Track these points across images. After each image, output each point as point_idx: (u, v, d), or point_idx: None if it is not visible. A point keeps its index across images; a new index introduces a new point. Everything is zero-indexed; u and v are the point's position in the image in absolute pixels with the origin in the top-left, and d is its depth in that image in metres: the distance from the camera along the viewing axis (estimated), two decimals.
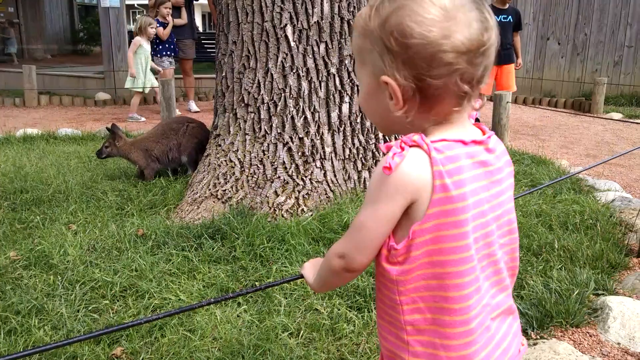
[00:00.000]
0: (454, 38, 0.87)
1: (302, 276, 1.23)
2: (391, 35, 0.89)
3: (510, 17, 6.63)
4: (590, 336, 2.24)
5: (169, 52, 8.02)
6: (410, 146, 0.91)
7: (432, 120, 0.95)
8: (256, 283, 2.58)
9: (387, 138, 3.66)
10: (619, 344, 2.19)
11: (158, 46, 7.99)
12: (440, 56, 0.87)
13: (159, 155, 4.36)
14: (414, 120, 0.95)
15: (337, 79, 3.52)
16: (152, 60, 7.98)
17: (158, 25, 7.81)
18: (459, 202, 0.90)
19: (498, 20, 6.52)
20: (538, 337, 2.19)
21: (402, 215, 0.95)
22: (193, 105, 8.61)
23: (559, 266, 2.71)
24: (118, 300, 2.42)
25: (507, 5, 6.64)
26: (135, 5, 33.63)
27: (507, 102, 5.66)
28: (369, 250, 0.97)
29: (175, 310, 1.25)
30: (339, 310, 2.34)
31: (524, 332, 2.21)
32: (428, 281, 0.94)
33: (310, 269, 1.19)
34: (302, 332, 2.20)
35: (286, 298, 2.43)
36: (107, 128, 4.40)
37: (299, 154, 3.46)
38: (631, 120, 7.66)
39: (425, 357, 0.97)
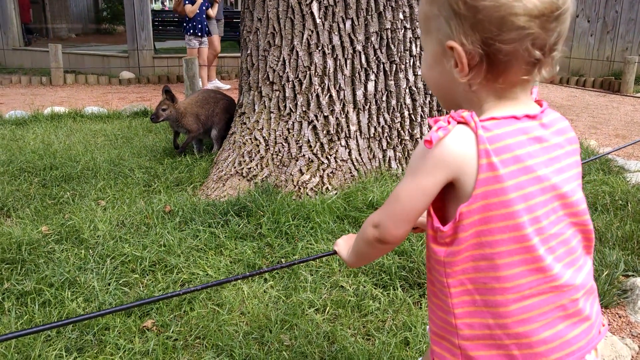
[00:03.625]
0: (526, 1, 0.83)
1: (335, 252, 1.23)
2: None
3: None
4: (620, 317, 2.22)
5: (195, 31, 7.90)
6: (458, 122, 0.89)
7: (495, 93, 0.91)
8: (282, 260, 2.60)
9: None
10: None
11: (187, 24, 7.94)
12: (511, 19, 0.84)
13: (204, 121, 4.38)
14: (478, 91, 0.91)
15: (363, 57, 3.49)
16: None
17: (186, 2, 7.74)
18: (507, 180, 0.87)
19: None
20: None
21: (448, 195, 0.93)
22: (219, 84, 8.58)
23: None
24: (147, 275, 2.47)
25: None
26: None
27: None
28: (401, 222, 0.95)
29: (214, 282, 1.27)
30: (364, 287, 2.36)
31: None
32: (477, 262, 0.91)
33: (343, 245, 1.19)
34: (328, 308, 2.23)
35: (312, 275, 2.45)
36: (164, 89, 4.22)
37: (324, 132, 3.46)
38: None
39: (479, 340, 0.94)
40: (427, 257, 1.01)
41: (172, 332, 2.06)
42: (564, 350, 0.93)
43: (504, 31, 0.84)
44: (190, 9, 7.74)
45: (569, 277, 0.93)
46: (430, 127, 0.91)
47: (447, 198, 0.95)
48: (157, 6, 25.83)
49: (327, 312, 2.20)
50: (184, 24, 7.97)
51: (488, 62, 0.88)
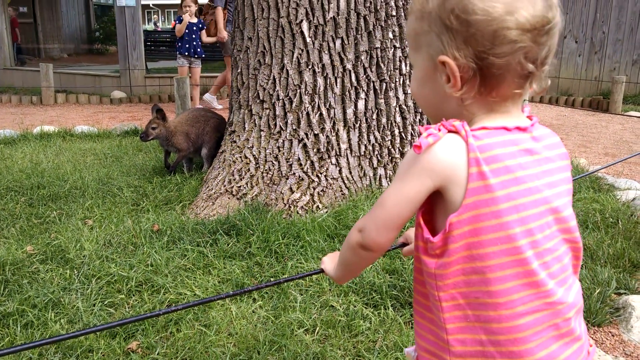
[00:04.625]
0: (518, 14, 0.84)
1: (322, 270, 1.20)
2: (452, 12, 0.87)
3: None
4: (613, 336, 2.19)
5: (182, 50, 7.92)
6: (449, 130, 0.88)
7: (487, 106, 0.91)
8: (271, 279, 2.56)
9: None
10: None
11: (177, 43, 7.99)
12: (503, 33, 0.84)
13: (194, 139, 4.35)
14: (470, 106, 0.91)
15: (353, 75, 3.49)
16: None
17: (177, 22, 7.82)
18: (498, 190, 0.86)
19: None
20: None
21: (438, 206, 0.92)
22: (215, 103, 8.55)
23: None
24: (134, 295, 2.42)
25: None
26: (151, 5, 33.91)
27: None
28: (385, 229, 0.93)
29: (199, 300, 1.24)
30: (355, 307, 2.32)
31: None
32: (468, 276, 0.89)
33: (329, 262, 1.17)
34: (317, 328, 2.18)
35: (301, 294, 2.41)
36: (154, 108, 4.22)
37: (314, 150, 3.44)
38: None
39: (472, 357, 0.92)
40: (416, 270, 0.99)
41: (157, 354, 2.01)
42: None
43: (497, 45, 0.85)
44: (178, 28, 7.81)
45: (561, 295, 0.92)
46: (419, 134, 0.90)
47: (436, 209, 0.93)
48: (150, 27, 25.97)
49: (317, 333, 2.16)
50: (176, 43, 8.03)
51: (481, 75, 0.88)
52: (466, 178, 0.86)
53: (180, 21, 7.78)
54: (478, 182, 0.86)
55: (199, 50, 8.02)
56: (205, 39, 7.98)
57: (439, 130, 0.88)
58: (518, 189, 0.87)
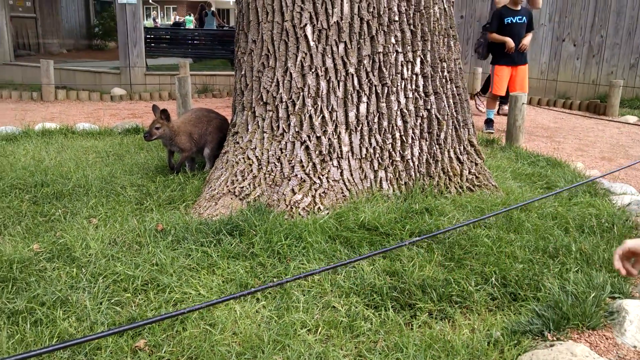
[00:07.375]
0: None
1: None
2: None
3: (524, 17, 6.63)
4: (607, 339, 2.26)
5: None
6: None
7: None
8: (274, 279, 2.61)
9: (404, 139, 3.68)
10: (635, 347, 2.20)
11: None
12: None
13: (197, 139, 4.39)
14: None
15: (356, 79, 3.55)
16: None
17: None
18: None
19: (512, 21, 6.54)
20: (555, 338, 2.21)
21: None
22: None
23: (576, 269, 2.72)
24: (140, 294, 2.47)
25: (519, 7, 6.64)
26: (150, 1, 33.89)
27: (523, 103, 5.65)
28: None
29: (215, 300, 1.29)
30: (356, 307, 2.37)
31: (540, 334, 2.23)
32: None
33: None
34: (320, 328, 2.24)
35: (304, 295, 2.46)
36: (155, 108, 4.25)
37: (316, 152, 3.50)
38: None
39: None
40: None
41: (164, 352, 2.07)
42: None
43: None
44: None
45: None
46: None
47: None
48: (149, 23, 25.94)
49: (320, 333, 2.22)
50: None
51: None
52: None
53: None
54: None
55: None
56: None
57: None
58: None
